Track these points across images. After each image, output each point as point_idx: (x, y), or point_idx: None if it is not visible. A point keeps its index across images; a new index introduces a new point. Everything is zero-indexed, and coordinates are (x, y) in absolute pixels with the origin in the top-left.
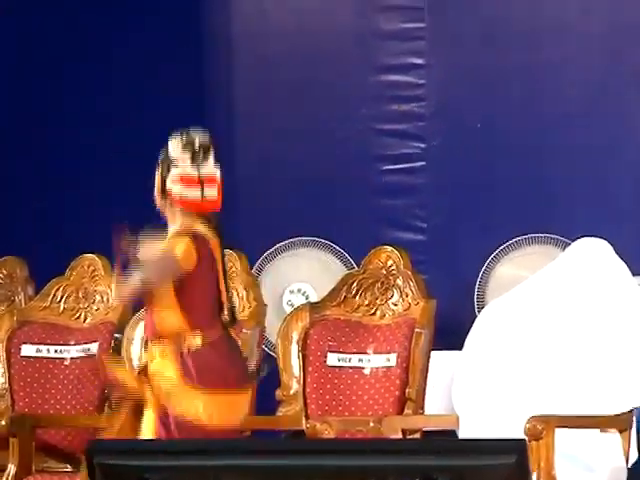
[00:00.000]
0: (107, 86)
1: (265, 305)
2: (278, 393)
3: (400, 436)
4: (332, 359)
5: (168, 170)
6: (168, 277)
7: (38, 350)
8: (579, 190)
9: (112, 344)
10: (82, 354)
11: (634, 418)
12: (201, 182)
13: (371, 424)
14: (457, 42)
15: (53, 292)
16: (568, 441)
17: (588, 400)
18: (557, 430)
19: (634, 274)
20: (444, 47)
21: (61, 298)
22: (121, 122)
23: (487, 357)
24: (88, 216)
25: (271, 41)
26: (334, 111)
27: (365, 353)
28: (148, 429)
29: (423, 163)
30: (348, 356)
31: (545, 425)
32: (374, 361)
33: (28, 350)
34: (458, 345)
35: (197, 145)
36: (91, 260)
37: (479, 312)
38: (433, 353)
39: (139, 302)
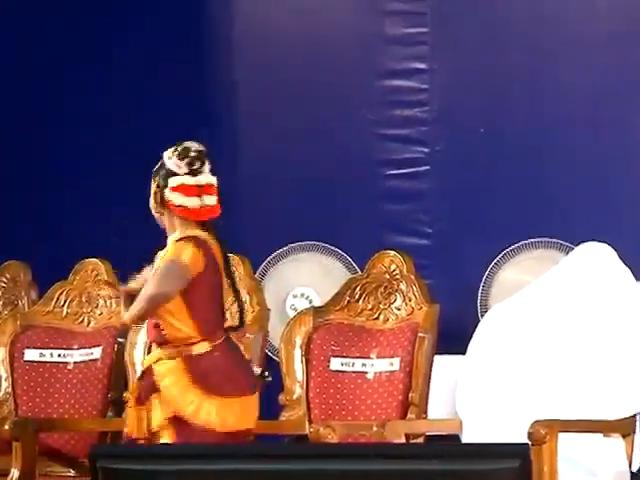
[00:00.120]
0: (107, 86)
1: (268, 309)
2: (281, 398)
3: (403, 441)
4: (335, 363)
5: (165, 180)
6: (180, 284)
7: (41, 354)
8: (582, 195)
9: (115, 348)
10: (85, 358)
11: (637, 423)
12: (199, 190)
13: (374, 428)
14: (460, 47)
15: (56, 296)
16: (571, 446)
17: (591, 405)
18: (560, 435)
19: (637, 278)
20: (447, 52)
21: (64, 302)
22: (121, 122)
23: (490, 362)
24: (88, 216)
25: (272, 43)
26: (336, 115)
27: (368, 357)
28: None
29: (426, 168)
30: (351, 360)
31: (548, 430)
32: (377, 365)
33: (31, 354)
34: (461, 350)
35: (193, 154)
36: (94, 265)
37: (482, 317)
38: (436, 358)
39: None
